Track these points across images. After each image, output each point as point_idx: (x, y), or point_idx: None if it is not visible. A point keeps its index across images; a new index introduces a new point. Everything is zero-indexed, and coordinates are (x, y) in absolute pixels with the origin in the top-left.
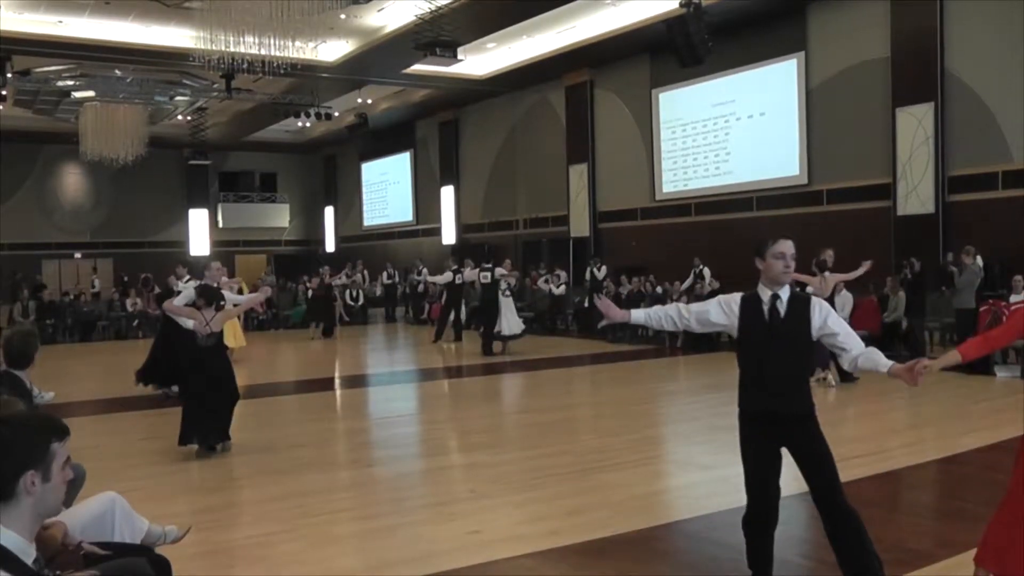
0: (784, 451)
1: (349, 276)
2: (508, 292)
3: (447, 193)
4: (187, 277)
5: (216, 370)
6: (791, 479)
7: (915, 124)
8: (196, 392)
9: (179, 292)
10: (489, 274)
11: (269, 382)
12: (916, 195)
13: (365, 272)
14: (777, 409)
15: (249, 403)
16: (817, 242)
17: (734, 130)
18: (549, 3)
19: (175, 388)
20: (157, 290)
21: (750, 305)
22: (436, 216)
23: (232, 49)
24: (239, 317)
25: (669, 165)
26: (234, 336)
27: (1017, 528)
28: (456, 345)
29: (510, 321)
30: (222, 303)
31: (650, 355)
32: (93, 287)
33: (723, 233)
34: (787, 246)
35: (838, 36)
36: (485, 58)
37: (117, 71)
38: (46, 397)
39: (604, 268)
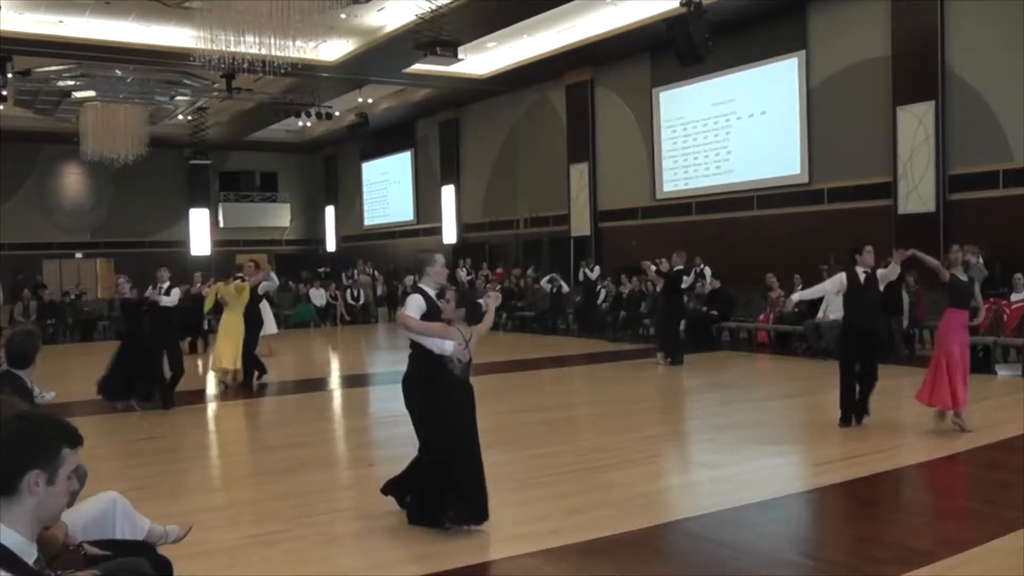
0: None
1: (349, 277)
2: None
3: (448, 192)
4: (167, 283)
5: (473, 413)
6: (793, 478)
7: (916, 123)
8: (463, 448)
9: (159, 299)
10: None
11: (268, 382)
12: (917, 194)
13: (375, 272)
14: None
15: (249, 403)
16: (818, 241)
17: (735, 129)
18: (549, 2)
19: (133, 402)
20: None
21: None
22: (437, 216)
23: (232, 49)
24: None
25: (670, 164)
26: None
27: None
28: None
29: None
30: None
31: (650, 355)
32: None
33: (724, 232)
34: None
35: (839, 35)
36: (486, 57)
37: (117, 71)
38: (47, 397)
39: (597, 268)
